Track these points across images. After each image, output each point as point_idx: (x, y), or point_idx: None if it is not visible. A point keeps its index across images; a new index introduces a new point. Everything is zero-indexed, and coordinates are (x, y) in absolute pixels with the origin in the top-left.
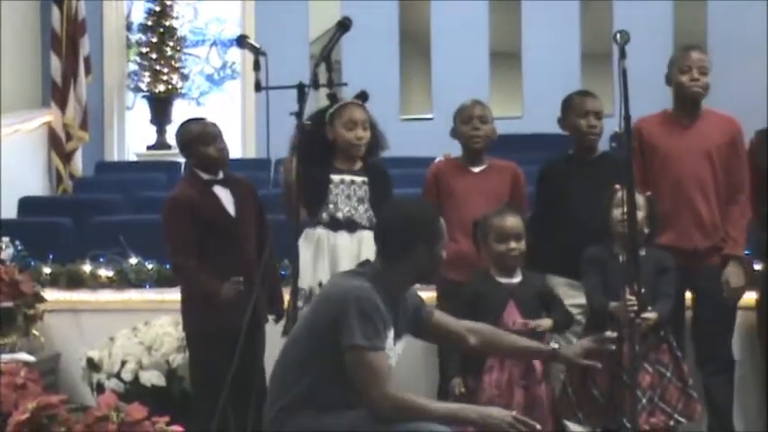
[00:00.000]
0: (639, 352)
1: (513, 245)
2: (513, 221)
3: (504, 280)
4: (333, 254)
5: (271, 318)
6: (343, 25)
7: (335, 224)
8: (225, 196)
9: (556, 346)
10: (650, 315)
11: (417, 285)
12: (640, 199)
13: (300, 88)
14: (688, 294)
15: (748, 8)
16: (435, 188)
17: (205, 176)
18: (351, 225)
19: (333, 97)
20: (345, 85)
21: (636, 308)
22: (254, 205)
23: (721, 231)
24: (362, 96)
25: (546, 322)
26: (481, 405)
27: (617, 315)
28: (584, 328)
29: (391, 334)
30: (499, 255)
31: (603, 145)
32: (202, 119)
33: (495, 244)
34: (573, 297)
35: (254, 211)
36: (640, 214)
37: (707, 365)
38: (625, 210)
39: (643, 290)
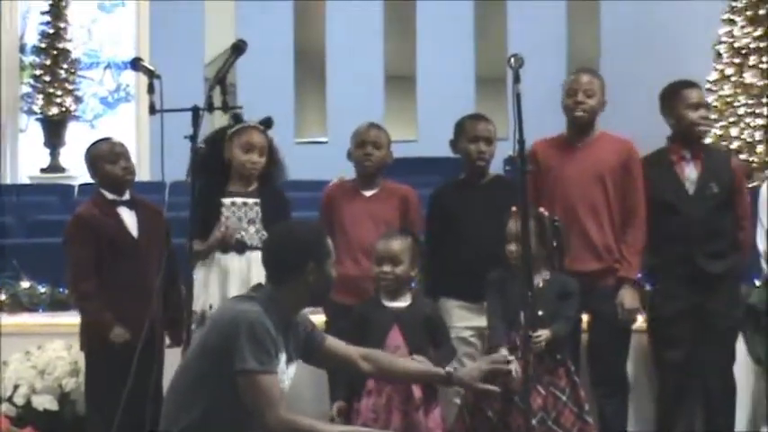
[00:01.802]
0: (533, 374)
1: (386, 268)
2: (388, 245)
3: (390, 304)
4: (223, 276)
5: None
6: (238, 48)
7: (225, 246)
8: (129, 217)
9: (451, 369)
10: (542, 332)
11: (309, 309)
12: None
13: (195, 111)
14: (584, 317)
15: (641, 33)
16: (329, 211)
17: (110, 196)
18: (240, 247)
19: (237, 117)
20: (240, 108)
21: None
22: (160, 229)
23: (615, 254)
24: (267, 123)
25: None
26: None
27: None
28: (484, 350)
29: (283, 357)
30: (376, 277)
31: (498, 168)
32: (110, 138)
33: (374, 266)
34: (468, 320)
35: (159, 235)
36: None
37: (601, 387)
38: (514, 246)
39: (541, 312)
